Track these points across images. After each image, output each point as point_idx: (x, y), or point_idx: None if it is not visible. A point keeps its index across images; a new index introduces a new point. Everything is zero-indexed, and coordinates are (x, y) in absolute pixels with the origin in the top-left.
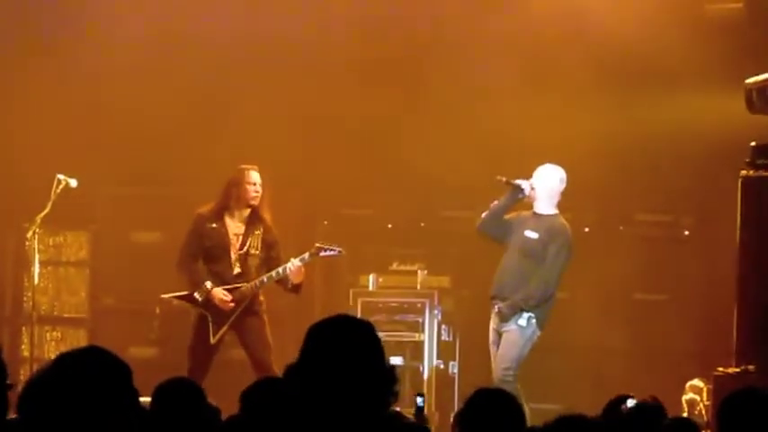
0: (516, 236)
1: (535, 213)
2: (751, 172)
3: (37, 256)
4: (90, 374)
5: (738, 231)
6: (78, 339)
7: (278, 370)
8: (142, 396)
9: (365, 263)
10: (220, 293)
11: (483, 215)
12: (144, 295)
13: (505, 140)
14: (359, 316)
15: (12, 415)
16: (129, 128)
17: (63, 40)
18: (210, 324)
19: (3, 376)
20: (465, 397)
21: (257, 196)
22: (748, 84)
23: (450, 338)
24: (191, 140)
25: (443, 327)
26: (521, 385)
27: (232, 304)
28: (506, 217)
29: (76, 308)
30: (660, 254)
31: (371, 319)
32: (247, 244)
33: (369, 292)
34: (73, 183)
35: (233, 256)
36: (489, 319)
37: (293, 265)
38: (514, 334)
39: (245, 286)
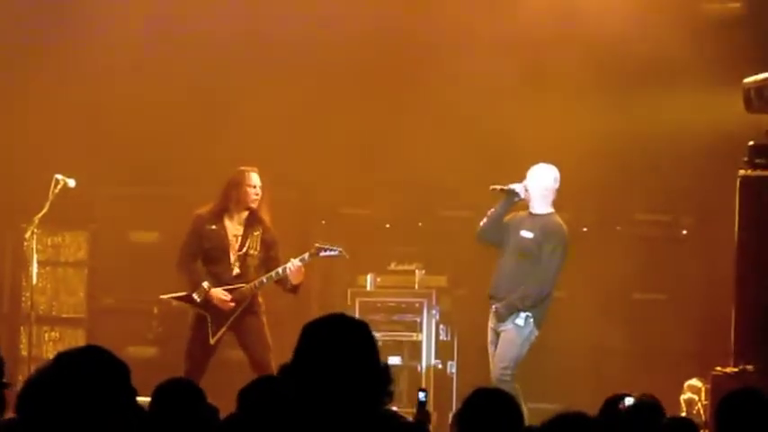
0: (512, 236)
1: (531, 213)
2: (749, 171)
3: (35, 256)
4: (88, 374)
5: (737, 231)
6: (77, 339)
7: (277, 370)
8: (141, 396)
9: (363, 262)
10: (220, 293)
11: (481, 224)
12: (142, 295)
13: (504, 140)
14: (357, 316)
15: (10, 415)
16: (127, 128)
17: (61, 39)
18: (210, 325)
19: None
20: (463, 397)
21: (257, 199)
22: (746, 83)
23: (448, 338)
24: (189, 140)
25: (441, 326)
26: (519, 385)
27: (232, 304)
28: (504, 220)
29: (75, 308)
30: (659, 254)
31: (369, 319)
32: (246, 245)
33: (367, 292)
34: (71, 183)
35: (232, 258)
36: (487, 318)
37: (293, 265)
38: (512, 333)
39: (244, 287)
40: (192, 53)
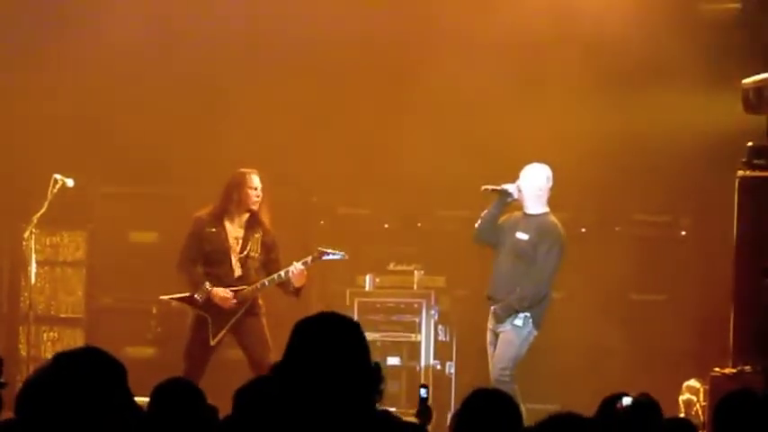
0: (508, 238)
1: (525, 214)
2: (748, 172)
3: (34, 256)
4: (86, 374)
5: (735, 232)
6: (75, 339)
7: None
8: (140, 396)
9: (362, 263)
10: (221, 291)
11: (476, 226)
12: (141, 295)
13: (503, 141)
14: (356, 316)
15: (9, 415)
16: (126, 128)
17: (60, 39)
18: (210, 326)
19: None
20: (462, 397)
21: (258, 201)
22: (745, 84)
23: (447, 339)
24: (188, 140)
25: (440, 327)
26: (518, 385)
27: (233, 301)
28: (499, 221)
29: (73, 308)
30: (657, 254)
31: (368, 319)
32: (248, 247)
33: (365, 293)
34: (69, 182)
35: (233, 260)
36: (486, 319)
37: (296, 268)
38: (511, 334)
39: (246, 289)
40: (191, 53)
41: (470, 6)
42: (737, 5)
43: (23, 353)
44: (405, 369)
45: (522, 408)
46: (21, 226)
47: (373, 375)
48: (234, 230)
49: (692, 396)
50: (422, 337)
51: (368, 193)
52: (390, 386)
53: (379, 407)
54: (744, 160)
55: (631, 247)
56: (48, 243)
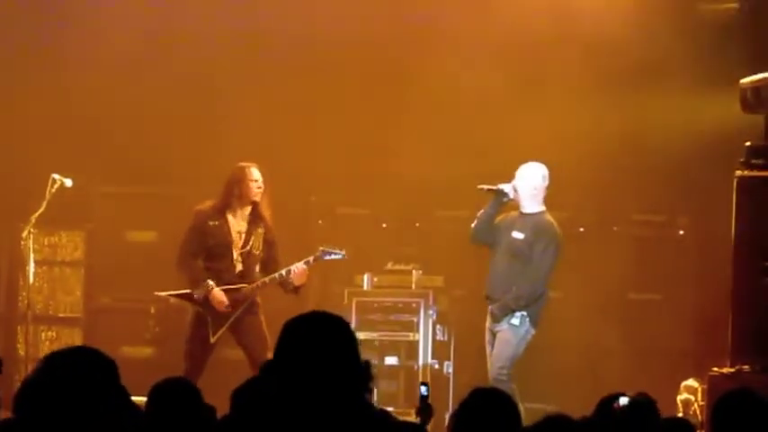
0: (504, 237)
1: (521, 213)
2: (746, 172)
3: (32, 256)
4: (78, 373)
5: (734, 231)
6: (73, 339)
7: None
8: (138, 396)
9: (360, 262)
10: (219, 295)
11: (473, 226)
12: (139, 295)
13: (501, 141)
14: (354, 315)
15: (7, 414)
16: (124, 127)
17: (58, 39)
18: (210, 324)
19: None
20: (460, 397)
21: (260, 192)
22: (743, 84)
23: (445, 338)
24: (187, 140)
25: (438, 326)
26: (516, 385)
27: (228, 309)
28: (495, 221)
29: (72, 307)
30: (655, 254)
31: (367, 319)
32: (250, 243)
33: (364, 292)
34: (68, 182)
35: (235, 255)
36: (484, 319)
37: (297, 268)
38: (508, 333)
39: (246, 287)
40: (189, 53)
41: (470, 6)
42: (735, 5)
43: (22, 352)
44: (403, 368)
45: (521, 407)
46: (19, 225)
47: (363, 373)
48: (237, 224)
49: (690, 396)
50: (420, 337)
51: (366, 193)
52: (388, 386)
53: (378, 406)
54: (742, 160)
55: (630, 247)
56: (46, 243)
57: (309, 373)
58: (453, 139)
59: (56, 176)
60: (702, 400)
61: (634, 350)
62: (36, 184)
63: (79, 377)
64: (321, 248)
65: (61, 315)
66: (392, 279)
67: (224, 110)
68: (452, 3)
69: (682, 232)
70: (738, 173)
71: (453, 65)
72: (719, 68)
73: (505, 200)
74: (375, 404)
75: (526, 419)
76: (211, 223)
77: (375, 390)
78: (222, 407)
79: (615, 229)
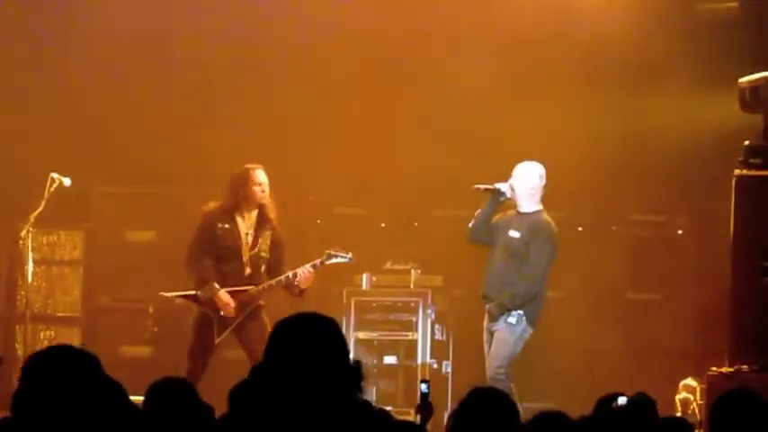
0: (501, 236)
1: (518, 212)
2: (744, 171)
3: (31, 255)
4: (58, 371)
5: (732, 231)
6: (72, 338)
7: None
8: (136, 395)
9: (359, 262)
10: (225, 299)
11: (470, 225)
12: (138, 294)
13: (500, 141)
14: (353, 315)
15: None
16: (123, 127)
17: (57, 39)
18: (215, 325)
19: None
20: (458, 396)
21: (264, 196)
22: (742, 83)
23: (444, 338)
24: (186, 140)
25: (437, 326)
26: (514, 384)
27: (233, 312)
28: (492, 220)
29: (70, 307)
30: (654, 253)
31: (365, 318)
32: (258, 245)
33: (362, 291)
34: (67, 182)
35: (245, 258)
36: (483, 318)
37: (305, 271)
38: (505, 332)
39: (253, 289)
40: (188, 53)
41: (470, 7)
42: (735, 5)
43: (20, 352)
44: (401, 368)
45: (519, 406)
46: (18, 225)
47: (354, 373)
48: (245, 227)
49: (688, 395)
50: (419, 336)
51: (365, 193)
52: (387, 385)
53: (377, 406)
54: (740, 159)
55: (628, 247)
56: (45, 242)
57: (298, 374)
58: (452, 139)
59: (54, 176)
60: (701, 400)
61: (633, 350)
62: (35, 184)
63: (58, 376)
64: (327, 252)
65: (60, 314)
66: (391, 279)
67: (223, 110)
68: (452, 3)
69: (680, 232)
70: (737, 172)
71: (452, 65)
72: (718, 68)
73: (502, 199)
74: (374, 404)
75: (525, 419)
76: (221, 225)
77: (374, 389)
78: (222, 406)
79: (614, 228)
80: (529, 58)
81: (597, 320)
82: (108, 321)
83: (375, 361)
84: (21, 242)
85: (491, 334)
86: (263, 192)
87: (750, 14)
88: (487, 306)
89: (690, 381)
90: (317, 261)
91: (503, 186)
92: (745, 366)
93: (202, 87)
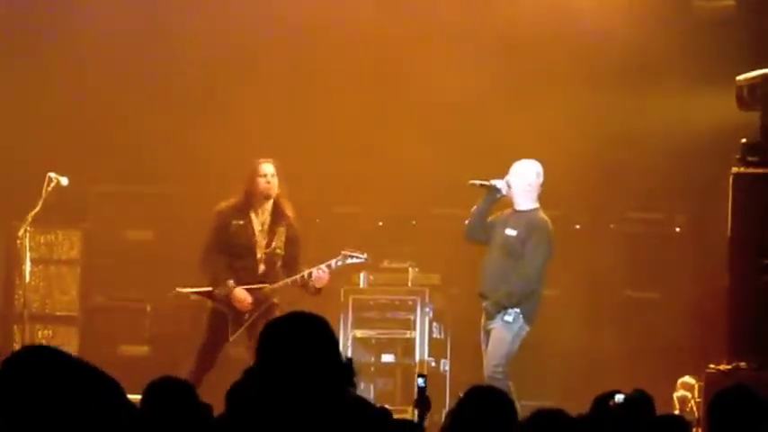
0: (498, 234)
1: (515, 210)
2: (742, 169)
3: (28, 255)
4: (33, 373)
5: (730, 229)
6: (69, 337)
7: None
8: (134, 394)
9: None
10: (241, 294)
11: (466, 223)
12: (136, 294)
13: (497, 139)
14: (350, 313)
15: None
16: (121, 126)
17: (52, 36)
18: (230, 322)
19: None
20: (456, 394)
21: (269, 187)
22: (739, 81)
23: (442, 336)
24: (184, 139)
25: (434, 324)
26: (512, 382)
27: (249, 308)
28: (489, 218)
29: (68, 306)
30: (651, 251)
31: (363, 317)
32: (273, 242)
33: (360, 290)
34: (64, 181)
35: (258, 255)
36: (480, 316)
37: (320, 271)
38: (501, 331)
39: (267, 287)
40: (187, 52)
41: (468, 6)
42: (732, 3)
43: None
44: (399, 366)
45: (517, 405)
46: (15, 224)
47: (344, 370)
48: (259, 222)
49: (686, 392)
50: (416, 335)
51: (362, 191)
52: (385, 383)
53: (376, 404)
54: (738, 157)
55: (626, 245)
56: (42, 241)
57: (290, 372)
58: (450, 138)
59: (52, 175)
60: (699, 397)
61: (631, 347)
62: (32, 183)
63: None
64: (343, 252)
65: (57, 314)
66: (388, 277)
67: (222, 109)
68: (452, 3)
69: (678, 230)
70: (734, 170)
71: (449, 63)
72: (715, 66)
73: (498, 196)
74: (374, 402)
75: (522, 417)
76: (235, 223)
77: (372, 387)
78: (220, 406)
79: (612, 226)
80: (527, 57)
81: (595, 318)
82: (106, 320)
83: (373, 359)
84: (18, 242)
85: (488, 332)
86: (268, 183)
87: (747, 12)
88: (484, 304)
89: (688, 378)
90: (332, 261)
91: (498, 183)
92: (742, 364)
93: (201, 87)
